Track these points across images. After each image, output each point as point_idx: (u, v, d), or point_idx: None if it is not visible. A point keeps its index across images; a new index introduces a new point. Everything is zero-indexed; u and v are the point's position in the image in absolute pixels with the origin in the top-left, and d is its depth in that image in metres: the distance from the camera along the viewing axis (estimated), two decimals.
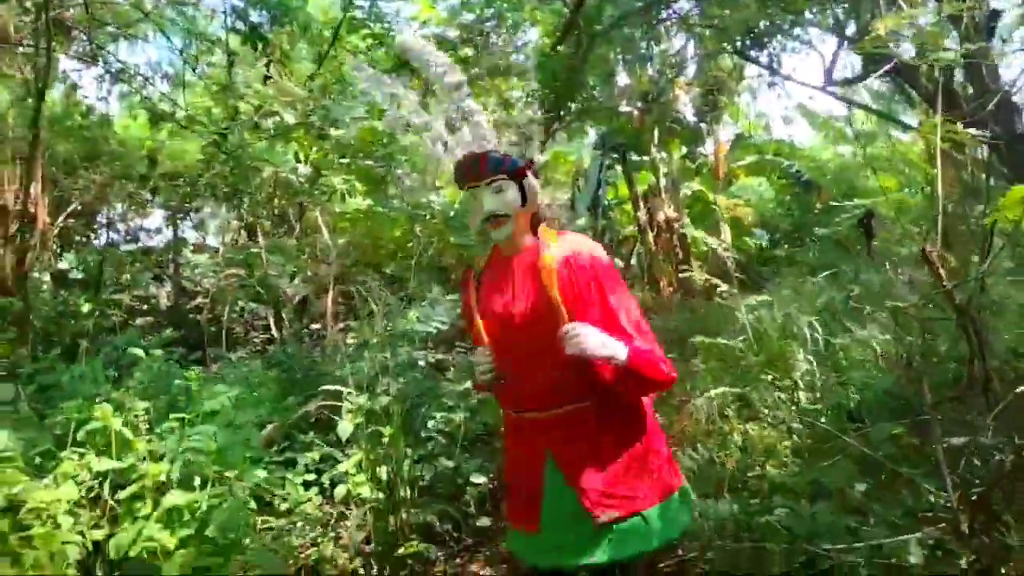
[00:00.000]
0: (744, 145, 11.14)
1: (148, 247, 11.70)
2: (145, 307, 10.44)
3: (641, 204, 10.62)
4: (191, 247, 11.84)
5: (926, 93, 2.70)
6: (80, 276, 9.21)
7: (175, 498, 1.85)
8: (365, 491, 2.80)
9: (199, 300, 9.92)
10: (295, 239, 9.51)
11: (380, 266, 9.13)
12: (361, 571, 2.55)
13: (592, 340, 1.64)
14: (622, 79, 10.15)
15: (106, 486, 1.90)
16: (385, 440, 2.88)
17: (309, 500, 2.68)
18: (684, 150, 11.02)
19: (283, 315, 8.06)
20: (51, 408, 2.48)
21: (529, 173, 1.89)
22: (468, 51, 8.60)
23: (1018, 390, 1.80)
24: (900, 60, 2.55)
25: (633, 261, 11.42)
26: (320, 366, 4.06)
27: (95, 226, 11.53)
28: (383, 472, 2.84)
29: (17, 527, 1.67)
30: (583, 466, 1.80)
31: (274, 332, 8.16)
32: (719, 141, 10.94)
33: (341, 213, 8.14)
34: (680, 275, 10.23)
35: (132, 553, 1.69)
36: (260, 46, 6.30)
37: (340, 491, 2.77)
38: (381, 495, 2.78)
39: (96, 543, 1.83)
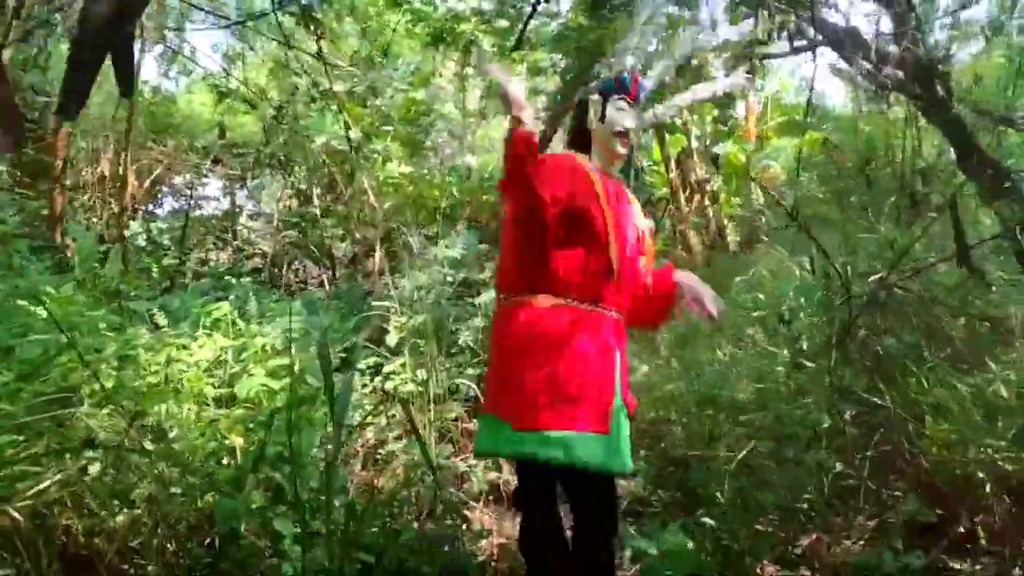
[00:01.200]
0: (776, 107, 11.57)
1: (207, 214, 12.79)
2: (205, 269, 11.54)
3: (673, 166, 11.20)
4: (247, 214, 12.90)
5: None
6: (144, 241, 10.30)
7: (278, 360, 2.74)
8: (408, 387, 3.65)
9: (256, 261, 10.98)
10: (344, 203, 10.43)
11: (422, 226, 9.97)
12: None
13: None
14: (652, 45, 10.62)
15: (229, 354, 2.78)
16: (422, 349, 3.72)
17: (364, 386, 3.54)
18: (716, 112, 11.48)
19: (335, 272, 8.99)
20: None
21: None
22: (504, 22, 9.24)
23: None
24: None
25: (666, 221, 11.99)
26: (370, 301, 4.93)
27: (158, 194, 12.66)
28: (420, 374, 3.67)
29: (174, 378, 2.56)
30: (624, 372, 1.97)
31: (327, 288, 9.11)
32: (750, 104, 11.41)
33: (385, 178, 8.98)
34: (708, 233, 10.85)
35: (251, 394, 2.56)
36: (311, 25, 7.19)
37: (388, 385, 3.62)
38: (419, 389, 3.62)
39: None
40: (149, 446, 2.31)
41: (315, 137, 7.68)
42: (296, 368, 2.73)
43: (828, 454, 2.61)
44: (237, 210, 12.71)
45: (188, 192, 11.83)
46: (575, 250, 1.89)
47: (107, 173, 6.42)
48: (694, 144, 10.97)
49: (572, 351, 1.85)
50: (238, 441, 2.44)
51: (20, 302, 2.81)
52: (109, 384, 2.30)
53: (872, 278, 2.56)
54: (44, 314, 2.61)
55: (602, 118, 2.01)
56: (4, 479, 2.10)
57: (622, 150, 2.01)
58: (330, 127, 8.01)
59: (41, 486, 2.10)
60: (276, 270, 10.07)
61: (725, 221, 11.27)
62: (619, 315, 1.97)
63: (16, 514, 1.88)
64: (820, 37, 3.62)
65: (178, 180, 12.53)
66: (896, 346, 2.60)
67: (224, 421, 2.46)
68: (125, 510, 2.23)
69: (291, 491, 2.16)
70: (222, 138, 9.57)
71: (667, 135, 11.24)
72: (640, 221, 2.10)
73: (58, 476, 2.16)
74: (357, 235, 9.98)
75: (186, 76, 9.91)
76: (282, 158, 9.79)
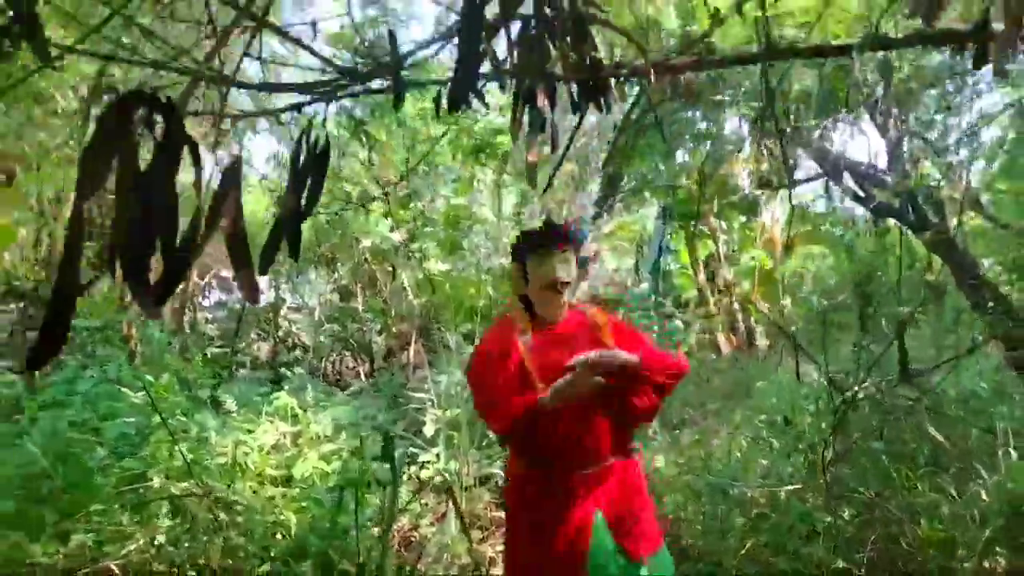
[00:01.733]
0: (801, 215, 12.03)
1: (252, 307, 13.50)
2: (248, 359, 12.10)
3: (702, 269, 11.64)
4: (289, 307, 13.58)
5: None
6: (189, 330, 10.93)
7: (329, 445, 3.11)
8: (439, 477, 3.97)
9: (297, 352, 11.53)
10: (383, 300, 11.01)
11: (457, 325, 10.47)
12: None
13: (606, 353, 1.91)
14: (680, 155, 11.33)
15: (288, 439, 3.16)
16: (455, 441, 4.06)
17: (402, 474, 3.87)
18: (744, 219, 11.99)
19: (373, 365, 9.42)
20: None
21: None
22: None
23: None
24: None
25: (696, 321, 12.33)
26: (408, 394, 5.32)
27: (207, 287, 13.45)
28: (453, 464, 4.00)
29: (240, 458, 2.95)
30: (627, 517, 1.99)
31: (364, 380, 9.54)
32: (775, 212, 11.88)
33: (425, 277, 9.55)
34: (738, 336, 11.14)
35: (305, 475, 2.92)
36: (363, 137, 8.00)
37: (424, 474, 3.95)
38: (452, 478, 3.94)
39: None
40: (220, 517, 2.68)
41: (362, 238, 8.30)
42: (346, 454, 3.11)
43: (827, 550, 2.84)
44: (281, 303, 13.42)
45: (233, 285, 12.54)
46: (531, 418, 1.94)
47: None
48: (722, 248, 11.45)
49: (536, 527, 2.01)
50: (292, 518, 2.79)
51: (105, 388, 3.27)
52: (188, 461, 2.70)
53: (853, 385, 2.88)
54: (128, 398, 3.05)
55: (525, 280, 2.11)
56: (99, 541, 2.49)
57: (559, 299, 2.08)
58: (375, 228, 8.65)
59: (128, 548, 2.47)
60: (316, 361, 10.58)
61: (755, 325, 11.58)
62: (599, 467, 2.00)
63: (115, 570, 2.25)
64: (821, 169, 4.08)
65: (226, 273, 13.35)
66: (885, 449, 2.88)
67: (281, 499, 2.82)
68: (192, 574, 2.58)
69: (339, 561, 2.50)
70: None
71: (696, 240, 11.78)
72: (611, 344, 2.06)
73: (140, 541, 2.53)
74: (394, 330, 10.50)
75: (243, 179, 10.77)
76: (328, 255, 10.49)
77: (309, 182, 1.23)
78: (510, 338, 2.09)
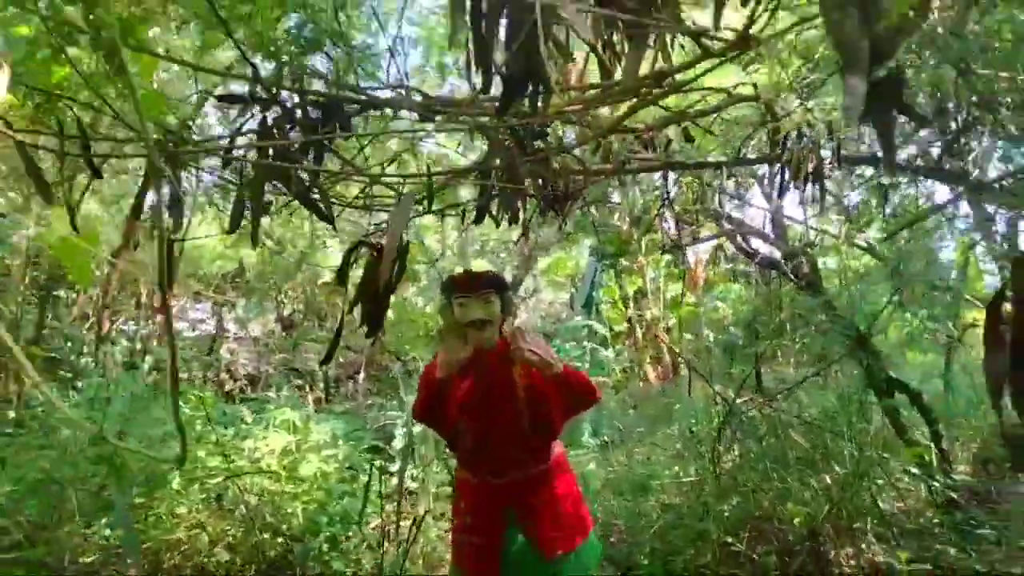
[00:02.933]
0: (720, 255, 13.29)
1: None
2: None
3: (631, 304, 12.78)
4: (230, 336, 14.01)
5: None
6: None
7: (328, 451, 3.89)
8: (408, 483, 4.76)
9: (241, 382, 12.03)
10: (327, 330, 11.67)
11: (401, 353, 11.23)
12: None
13: (541, 344, 2.21)
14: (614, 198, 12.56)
15: (294, 445, 3.90)
16: (423, 452, 4.87)
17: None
18: (668, 258, 13.21)
19: (327, 392, 10.07)
20: None
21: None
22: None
23: None
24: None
25: (624, 354, 13.42)
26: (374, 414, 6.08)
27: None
28: (418, 473, 4.79)
29: (252, 459, 3.68)
30: (537, 518, 2.34)
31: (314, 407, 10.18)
32: (697, 253, 13.12)
33: None
34: (664, 367, 12.26)
35: (308, 473, 3.68)
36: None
37: (392, 482, 4.73)
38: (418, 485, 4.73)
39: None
40: (243, 509, 3.43)
41: (320, 271, 9.02)
42: (340, 457, 3.92)
43: (716, 527, 3.80)
44: (223, 333, 13.86)
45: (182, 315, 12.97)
46: (454, 432, 2.39)
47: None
48: (649, 286, 12.61)
49: (462, 516, 2.48)
50: (299, 507, 3.57)
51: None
52: (219, 461, 3.45)
53: (738, 401, 3.88)
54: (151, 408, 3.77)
55: (452, 314, 2.38)
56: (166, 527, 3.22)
57: (480, 335, 2.34)
58: (330, 262, 9.38)
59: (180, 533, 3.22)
60: (263, 390, 11.14)
61: (679, 356, 12.75)
62: (511, 478, 2.38)
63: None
64: (726, 226, 5.15)
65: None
66: (765, 451, 3.89)
67: (291, 492, 3.59)
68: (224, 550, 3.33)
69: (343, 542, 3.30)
70: (240, 274, 10.90)
71: (625, 277, 12.95)
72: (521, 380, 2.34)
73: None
74: (340, 360, 11.17)
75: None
76: (277, 287, 11.11)
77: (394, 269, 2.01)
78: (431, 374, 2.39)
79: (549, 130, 2.46)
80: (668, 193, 5.37)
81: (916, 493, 4.32)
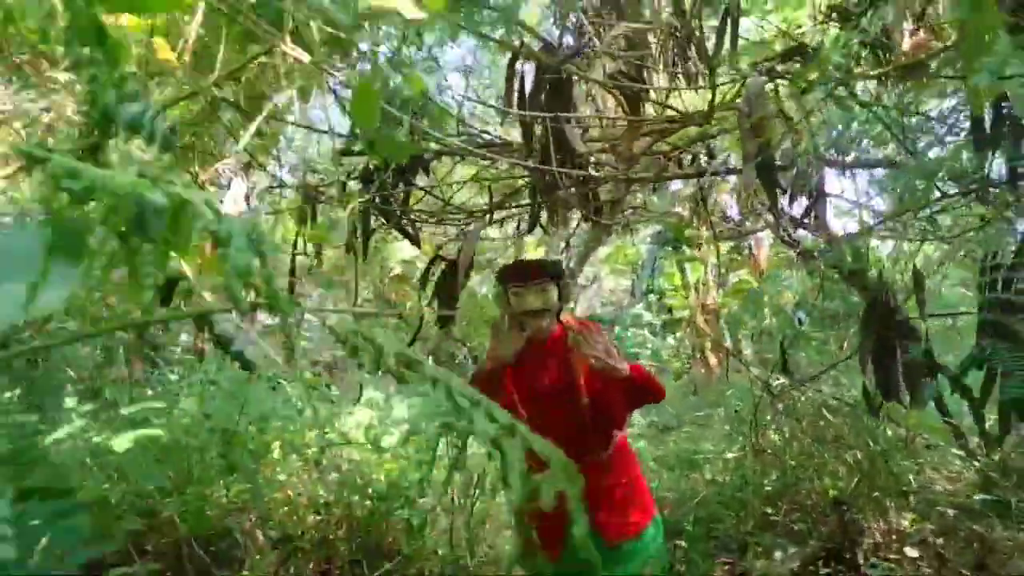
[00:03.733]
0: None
1: None
2: None
3: (692, 290, 13.07)
4: (306, 324, 14.95)
5: None
6: None
7: (405, 425, 4.53)
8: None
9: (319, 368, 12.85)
10: (399, 316, 12.41)
11: (467, 340, 11.91)
12: None
13: (601, 347, 2.21)
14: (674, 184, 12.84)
15: (376, 420, 4.55)
16: None
17: None
18: (731, 244, 13.41)
19: None
20: None
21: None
22: None
23: None
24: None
25: (685, 341, 13.72)
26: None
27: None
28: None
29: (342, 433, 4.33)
30: (601, 505, 2.37)
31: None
32: (759, 238, 13.28)
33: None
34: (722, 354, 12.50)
35: (389, 445, 4.29)
36: None
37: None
38: None
39: None
40: (335, 475, 4.06)
41: (392, 264, 9.67)
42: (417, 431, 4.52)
43: (755, 498, 4.23)
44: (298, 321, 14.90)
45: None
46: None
47: None
48: (710, 272, 12.87)
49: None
50: (383, 474, 4.17)
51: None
52: (315, 435, 4.08)
53: (776, 383, 4.28)
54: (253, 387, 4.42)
55: (508, 304, 2.41)
56: (271, 489, 3.87)
57: (537, 324, 2.38)
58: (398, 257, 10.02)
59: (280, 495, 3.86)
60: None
61: (741, 341, 12.98)
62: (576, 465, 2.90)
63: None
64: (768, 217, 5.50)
65: None
66: (791, 429, 4.29)
67: (376, 461, 4.20)
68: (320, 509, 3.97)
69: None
70: (318, 266, 11.69)
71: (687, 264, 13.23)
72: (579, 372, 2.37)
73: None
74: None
75: None
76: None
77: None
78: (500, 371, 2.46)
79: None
80: (705, 199, 5.74)
81: (960, 473, 4.62)
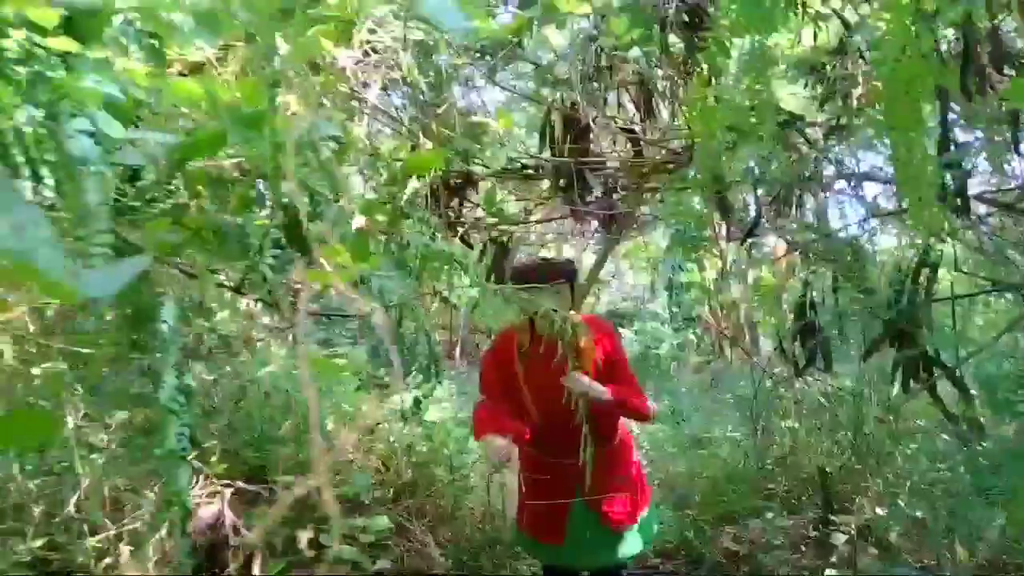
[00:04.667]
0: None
1: None
2: None
3: (711, 287, 13.58)
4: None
5: None
6: None
7: (446, 404, 5.17)
8: None
9: None
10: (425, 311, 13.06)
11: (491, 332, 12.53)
12: None
13: (586, 383, 2.45)
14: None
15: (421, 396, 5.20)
16: None
17: None
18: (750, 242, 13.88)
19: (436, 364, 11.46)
20: None
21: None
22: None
23: None
24: None
25: (706, 336, 14.25)
26: None
27: None
28: None
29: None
30: (602, 493, 2.64)
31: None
32: (779, 236, 13.72)
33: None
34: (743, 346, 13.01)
35: (431, 420, 4.92)
36: None
37: None
38: None
39: None
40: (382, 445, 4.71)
41: None
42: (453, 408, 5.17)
43: (756, 474, 4.82)
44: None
45: None
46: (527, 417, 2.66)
47: None
48: (730, 268, 13.34)
49: (529, 485, 2.80)
50: (425, 445, 4.81)
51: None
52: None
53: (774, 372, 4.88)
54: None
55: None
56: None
57: (550, 324, 2.43)
58: None
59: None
60: None
61: (760, 337, 13.45)
62: (578, 459, 2.49)
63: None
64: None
65: None
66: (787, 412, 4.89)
67: (420, 433, 4.85)
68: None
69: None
70: None
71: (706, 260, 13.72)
72: (589, 369, 2.55)
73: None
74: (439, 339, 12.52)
75: None
76: None
77: None
78: (506, 347, 2.74)
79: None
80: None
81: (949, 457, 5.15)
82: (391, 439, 4.79)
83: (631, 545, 2.74)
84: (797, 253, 5.89)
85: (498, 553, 4.28)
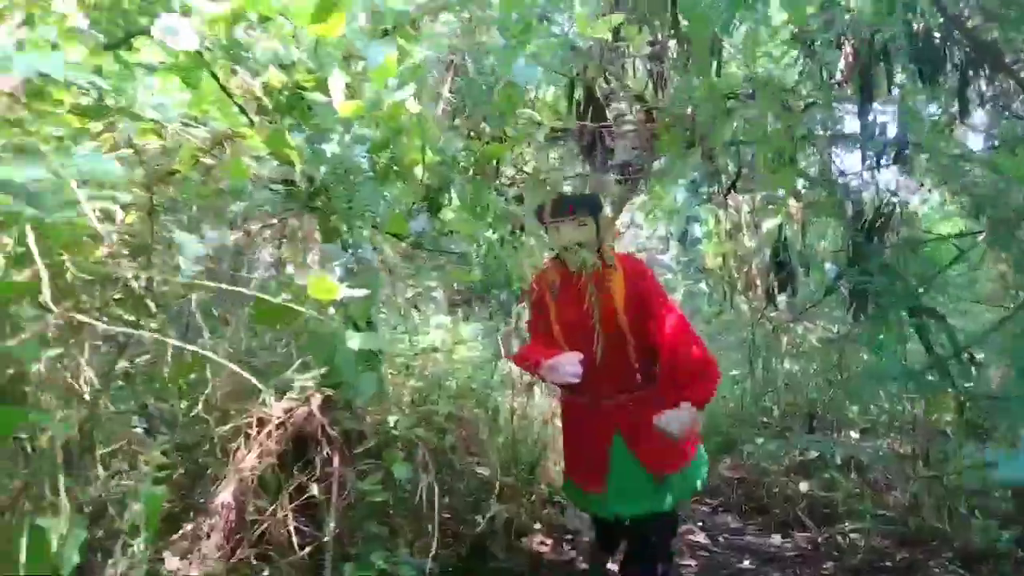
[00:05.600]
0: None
1: None
2: None
3: (726, 237, 14.02)
4: None
5: None
6: None
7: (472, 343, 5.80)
8: None
9: None
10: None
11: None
12: None
13: (673, 422, 2.25)
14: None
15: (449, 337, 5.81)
16: None
17: None
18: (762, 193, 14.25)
19: None
20: None
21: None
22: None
23: None
24: None
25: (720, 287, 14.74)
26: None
27: None
28: None
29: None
30: (644, 436, 2.44)
31: None
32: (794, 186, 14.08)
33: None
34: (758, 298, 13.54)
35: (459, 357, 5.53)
36: None
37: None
38: None
39: None
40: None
41: None
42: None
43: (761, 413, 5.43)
44: None
45: None
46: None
47: None
48: (744, 219, 13.75)
49: (569, 430, 2.78)
50: (454, 381, 5.44)
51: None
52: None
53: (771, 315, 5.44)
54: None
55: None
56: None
57: (576, 256, 2.42)
58: None
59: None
60: None
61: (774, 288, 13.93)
62: (617, 399, 2.50)
63: None
64: None
65: None
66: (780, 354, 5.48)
67: (448, 370, 5.46)
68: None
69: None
70: None
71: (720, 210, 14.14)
72: (620, 307, 2.48)
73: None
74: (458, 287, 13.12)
75: None
76: None
77: None
78: (540, 285, 2.67)
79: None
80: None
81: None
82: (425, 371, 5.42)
83: (677, 493, 2.60)
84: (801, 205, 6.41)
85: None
